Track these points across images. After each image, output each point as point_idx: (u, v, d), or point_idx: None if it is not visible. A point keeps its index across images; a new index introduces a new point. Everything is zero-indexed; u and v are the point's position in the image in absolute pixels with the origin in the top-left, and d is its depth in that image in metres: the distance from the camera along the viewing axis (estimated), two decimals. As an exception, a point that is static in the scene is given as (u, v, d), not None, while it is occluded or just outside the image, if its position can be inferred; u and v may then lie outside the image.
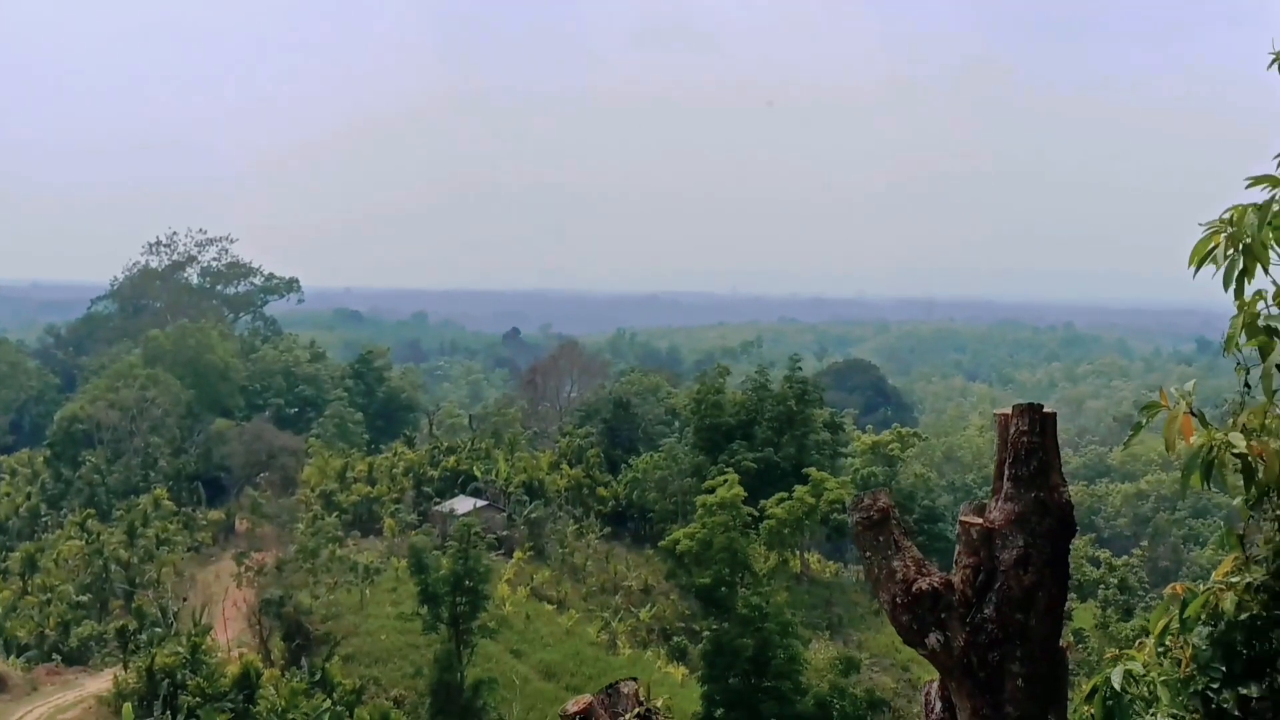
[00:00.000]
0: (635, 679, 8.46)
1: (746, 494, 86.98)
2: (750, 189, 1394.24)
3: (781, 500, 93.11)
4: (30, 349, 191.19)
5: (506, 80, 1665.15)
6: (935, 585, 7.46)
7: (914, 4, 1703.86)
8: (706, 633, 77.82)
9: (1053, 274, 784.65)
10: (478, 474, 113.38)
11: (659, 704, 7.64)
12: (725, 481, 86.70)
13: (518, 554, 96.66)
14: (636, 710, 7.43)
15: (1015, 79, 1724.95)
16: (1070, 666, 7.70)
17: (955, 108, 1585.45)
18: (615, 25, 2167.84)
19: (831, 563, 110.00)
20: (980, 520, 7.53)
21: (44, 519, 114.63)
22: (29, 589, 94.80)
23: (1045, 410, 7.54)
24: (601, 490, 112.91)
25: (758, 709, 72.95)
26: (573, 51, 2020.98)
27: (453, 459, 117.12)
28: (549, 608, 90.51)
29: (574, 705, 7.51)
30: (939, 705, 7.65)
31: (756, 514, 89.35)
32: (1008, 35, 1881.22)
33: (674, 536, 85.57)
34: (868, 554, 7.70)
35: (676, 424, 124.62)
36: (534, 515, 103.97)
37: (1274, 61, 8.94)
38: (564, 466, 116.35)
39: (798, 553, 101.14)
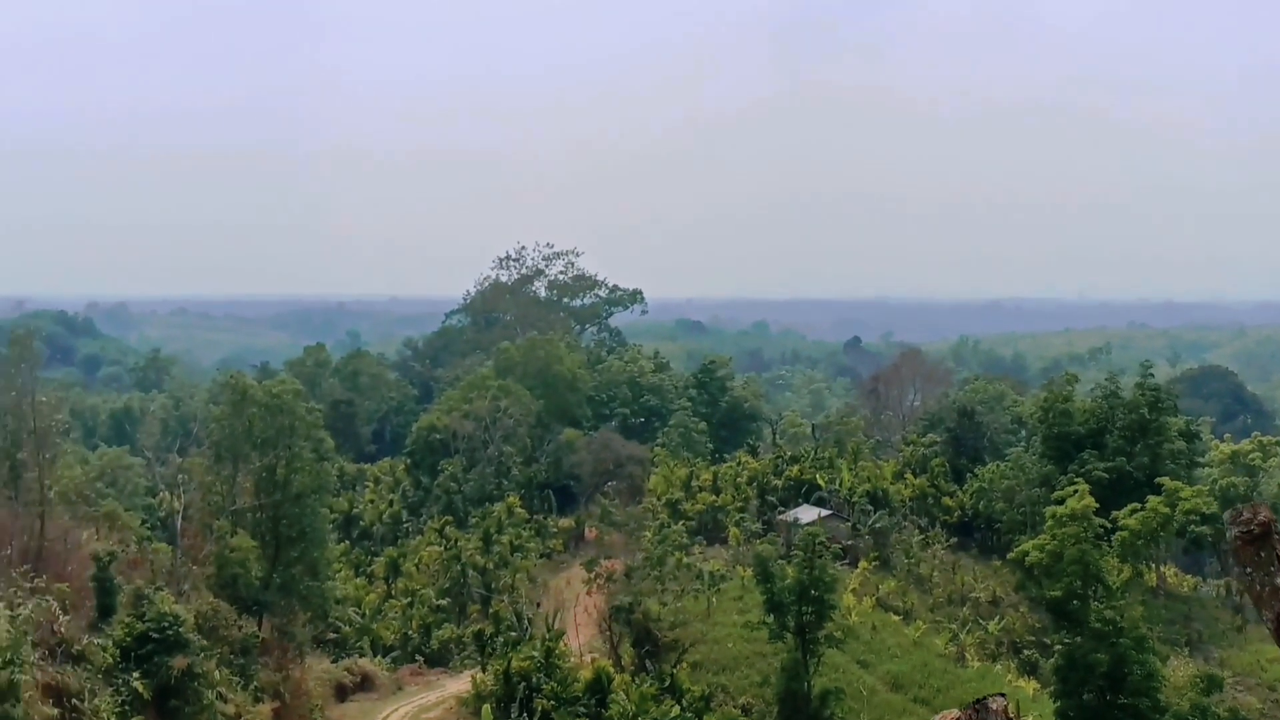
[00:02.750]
0: (1003, 695, 8.67)
1: (1098, 505, 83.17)
2: (1091, 194, 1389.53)
3: (1135, 511, 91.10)
4: (389, 361, 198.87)
5: (843, 88, 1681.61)
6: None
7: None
8: (1058, 647, 75.25)
9: None
10: (821, 483, 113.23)
11: None
12: (1075, 492, 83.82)
13: (863, 564, 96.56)
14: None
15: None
16: None
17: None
18: (948, 29, 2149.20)
19: (1190, 576, 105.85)
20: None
21: (405, 525, 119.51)
22: (392, 592, 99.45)
23: None
24: (947, 500, 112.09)
25: (1112, 728, 71.36)
26: (908, 57, 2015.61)
27: (796, 468, 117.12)
28: (895, 618, 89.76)
29: (941, 719, 7.84)
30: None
31: (1109, 525, 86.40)
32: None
33: (1023, 548, 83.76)
34: (1248, 569, 7.45)
35: (1023, 433, 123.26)
36: (878, 525, 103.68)
37: None
38: (908, 476, 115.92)
39: (1153, 566, 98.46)
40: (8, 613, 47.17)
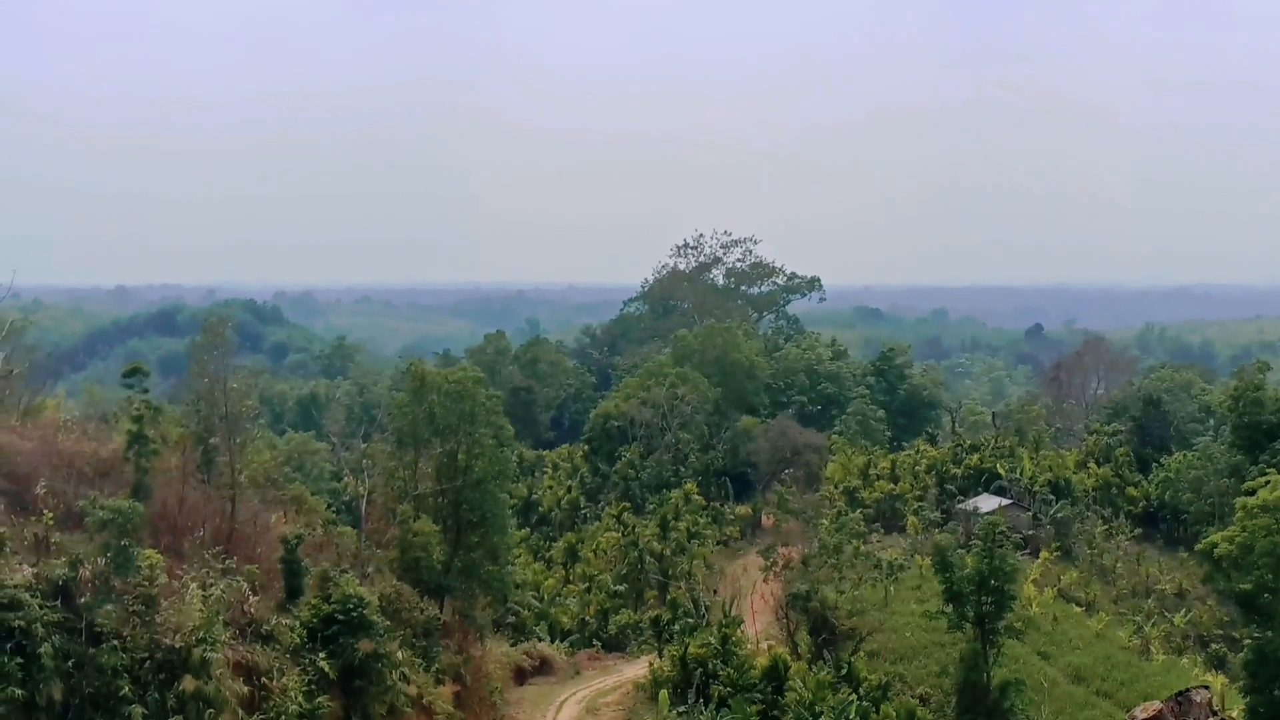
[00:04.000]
0: (1207, 687, 8.37)
1: None
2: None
3: None
4: (568, 349, 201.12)
5: (1024, 82, 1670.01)
6: None
7: None
8: (1248, 641, 71.78)
9: None
10: (1001, 472, 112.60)
11: (1234, 715, 7.62)
12: (1268, 483, 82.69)
13: (1044, 554, 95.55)
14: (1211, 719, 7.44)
15: None
16: None
17: None
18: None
19: None
20: None
21: (583, 511, 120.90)
22: (570, 577, 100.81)
23: None
24: (1131, 490, 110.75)
25: (1309, 729, 69.84)
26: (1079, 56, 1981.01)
27: (976, 457, 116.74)
28: (1077, 610, 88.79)
29: (1143, 710, 7.63)
30: None
31: None
32: None
33: (1211, 539, 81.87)
34: None
35: (1211, 422, 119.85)
36: (1060, 515, 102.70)
37: None
38: (1091, 465, 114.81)
39: None
40: (201, 592, 48.49)
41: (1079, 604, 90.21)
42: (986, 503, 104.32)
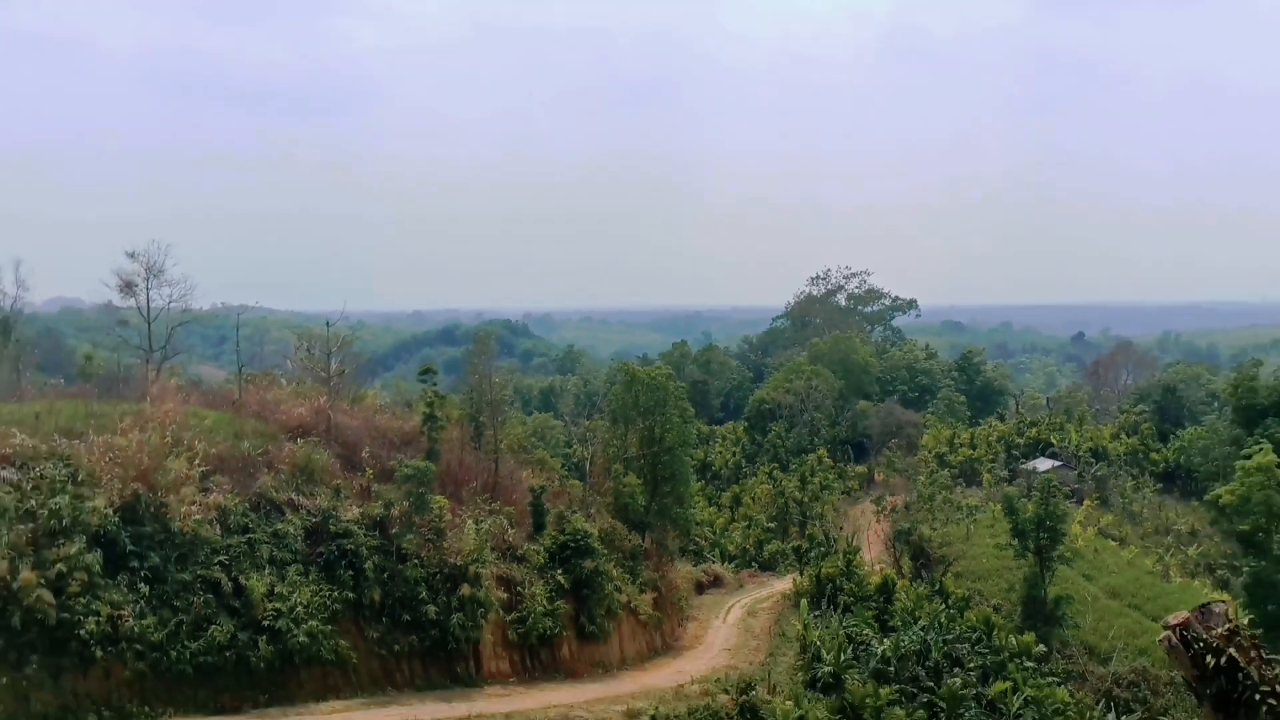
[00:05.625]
0: (1225, 601, 7.24)
1: (1279, 461, 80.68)
2: None
3: None
4: (732, 353, 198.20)
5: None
6: None
7: None
8: (1246, 569, 71.51)
9: None
10: (1054, 441, 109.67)
11: (1245, 623, 6.48)
12: (1261, 449, 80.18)
13: (1087, 502, 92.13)
14: (1226, 626, 6.33)
15: None
16: None
17: None
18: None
19: None
20: None
21: (743, 470, 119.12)
22: (735, 517, 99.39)
23: None
24: (1154, 455, 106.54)
25: (1297, 635, 67.56)
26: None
27: (1034, 430, 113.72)
28: (1113, 544, 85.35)
29: (1174, 619, 6.57)
30: None
31: None
32: None
33: (1217, 492, 79.15)
34: None
35: (1216, 404, 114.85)
36: (1099, 473, 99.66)
37: None
38: (1122, 436, 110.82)
39: None
40: (474, 526, 48.98)
41: (1114, 539, 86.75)
42: (1043, 464, 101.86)
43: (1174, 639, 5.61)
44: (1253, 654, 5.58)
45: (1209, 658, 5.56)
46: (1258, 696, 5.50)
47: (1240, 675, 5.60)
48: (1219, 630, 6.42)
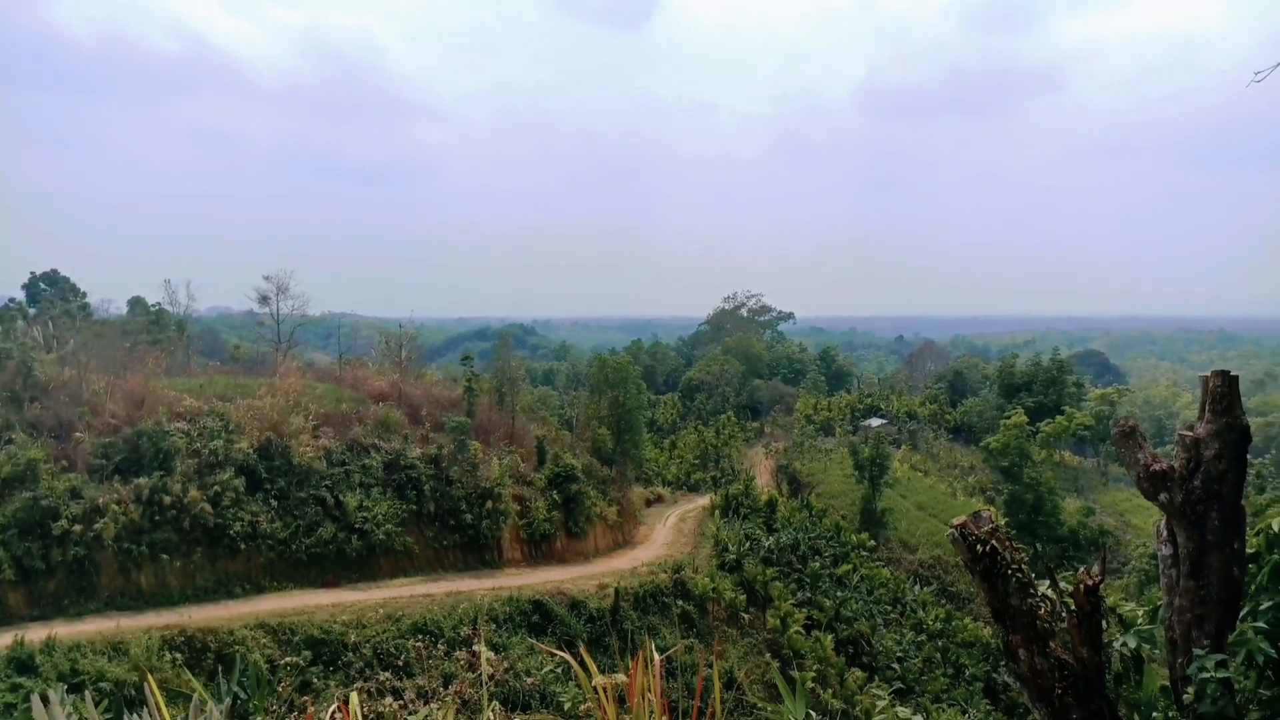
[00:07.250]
0: (990, 509, 7.39)
1: (1028, 420, 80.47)
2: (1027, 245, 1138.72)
3: (1049, 423, 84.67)
4: (671, 348, 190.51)
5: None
6: (1164, 467, 6.31)
7: None
8: (1005, 490, 74.00)
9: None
10: (883, 407, 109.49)
11: (1003, 524, 6.67)
12: (1016, 412, 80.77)
13: (904, 447, 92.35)
14: (990, 526, 6.50)
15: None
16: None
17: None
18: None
19: (1079, 457, 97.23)
20: (1192, 433, 6.25)
21: (678, 425, 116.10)
22: (672, 456, 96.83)
23: (1231, 374, 6.38)
24: (948, 416, 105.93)
25: (1036, 532, 68.91)
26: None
27: (870, 399, 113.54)
28: (920, 474, 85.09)
29: (957, 521, 6.66)
30: (1165, 533, 6.51)
31: (1034, 430, 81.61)
32: None
33: (988, 441, 79.59)
34: (1122, 450, 6.45)
35: (988, 384, 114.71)
36: (912, 429, 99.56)
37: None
38: (927, 404, 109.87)
39: (1058, 451, 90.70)
40: (498, 462, 48.67)
41: (921, 472, 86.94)
42: (875, 422, 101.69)
43: (956, 534, 5.81)
44: (1007, 544, 5.80)
45: (979, 546, 5.77)
46: (1009, 571, 5.76)
47: (999, 558, 5.85)
48: (986, 528, 6.65)
